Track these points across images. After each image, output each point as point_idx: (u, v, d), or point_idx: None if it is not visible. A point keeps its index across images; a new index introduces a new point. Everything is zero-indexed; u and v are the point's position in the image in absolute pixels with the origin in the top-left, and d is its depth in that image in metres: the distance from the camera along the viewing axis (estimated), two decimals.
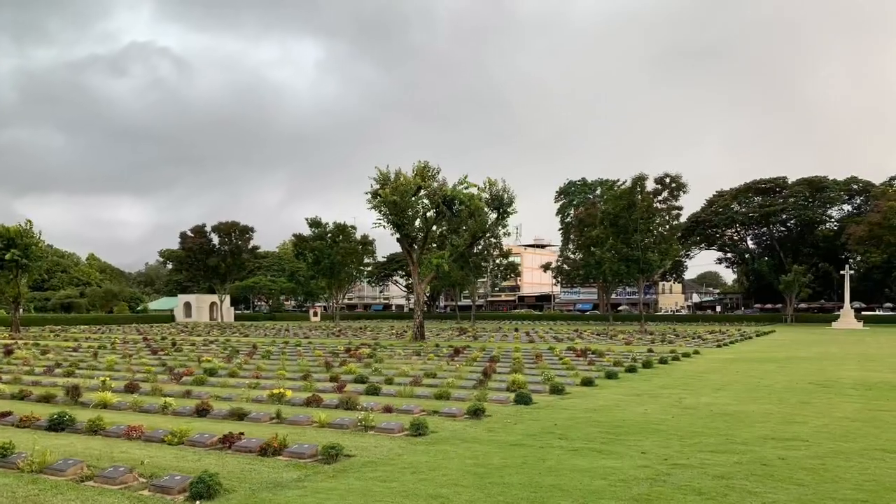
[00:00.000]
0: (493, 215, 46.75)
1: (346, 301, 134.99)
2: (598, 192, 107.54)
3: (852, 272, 79.86)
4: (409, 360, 28.47)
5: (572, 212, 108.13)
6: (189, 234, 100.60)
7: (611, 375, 21.81)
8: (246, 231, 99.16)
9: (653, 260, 63.54)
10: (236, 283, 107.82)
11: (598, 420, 14.10)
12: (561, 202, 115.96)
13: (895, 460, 10.60)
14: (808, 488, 8.83)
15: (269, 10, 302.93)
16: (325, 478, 9.23)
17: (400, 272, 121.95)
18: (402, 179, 44.13)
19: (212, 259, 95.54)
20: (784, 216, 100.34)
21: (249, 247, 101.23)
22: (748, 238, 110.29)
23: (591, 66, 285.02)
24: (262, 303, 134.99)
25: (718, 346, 39.57)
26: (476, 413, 14.13)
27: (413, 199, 44.54)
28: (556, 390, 17.88)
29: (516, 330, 61.58)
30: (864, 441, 12.09)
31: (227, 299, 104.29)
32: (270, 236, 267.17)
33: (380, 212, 44.71)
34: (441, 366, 25.18)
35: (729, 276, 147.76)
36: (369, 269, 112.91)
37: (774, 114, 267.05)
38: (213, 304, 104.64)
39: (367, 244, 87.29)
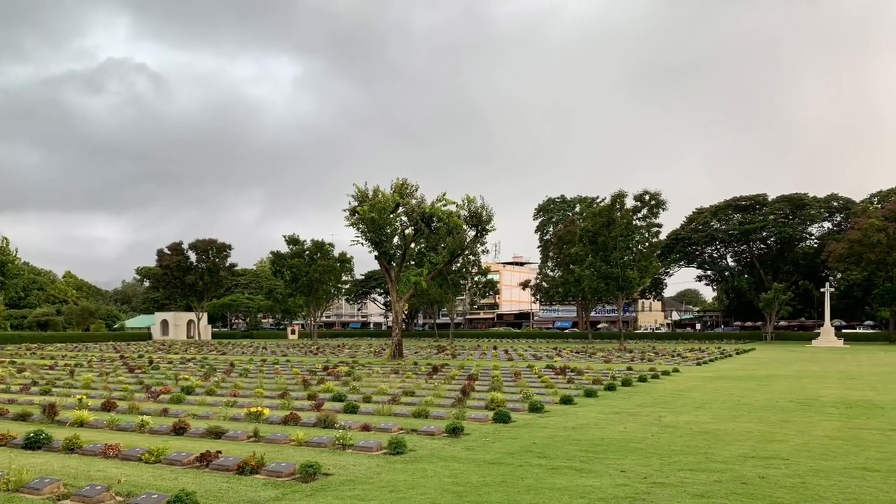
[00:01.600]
0: (472, 232, 46.83)
1: (324, 319, 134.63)
2: (577, 209, 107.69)
3: (832, 290, 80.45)
4: (388, 378, 28.35)
5: (551, 229, 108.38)
6: (166, 251, 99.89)
7: (590, 394, 21.79)
8: (223, 248, 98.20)
9: (632, 277, 63.76)
10: (213, 301, 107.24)
11: (578, 438, 14.08)
12: (540, 219, 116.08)
13: (876, 479, 10.63)
14: None
15: (246, 28, 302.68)
16: (302, 496, 9.17)
17: (378, 290, 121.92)
18: (380, 196, 44.15)
19: (189, 277, 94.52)
20: (764, 233, 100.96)
21: (227, 264, 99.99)
22: (728, 255, 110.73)
23: (569, 83, 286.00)
24: (240, 321, 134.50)
25: (698, 363, 39.74)
26: (455, 431, 14.08)
27: (391, 216, 44.54)
28: (535, 408, 17.84)
29: (495, 348, 61.50)
30: (845, 459, 12.12)
31: (205, 317, 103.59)
32: (248, 254, 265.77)
33: (358, 229, 44.68)
34: (419, 384, 25.04)
35: (709, 293, 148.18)
36: (347, 286, 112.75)
37: (753, 131, 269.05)
38: (190, 321, 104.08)
39: (345, 262, 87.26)
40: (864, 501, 9.26)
